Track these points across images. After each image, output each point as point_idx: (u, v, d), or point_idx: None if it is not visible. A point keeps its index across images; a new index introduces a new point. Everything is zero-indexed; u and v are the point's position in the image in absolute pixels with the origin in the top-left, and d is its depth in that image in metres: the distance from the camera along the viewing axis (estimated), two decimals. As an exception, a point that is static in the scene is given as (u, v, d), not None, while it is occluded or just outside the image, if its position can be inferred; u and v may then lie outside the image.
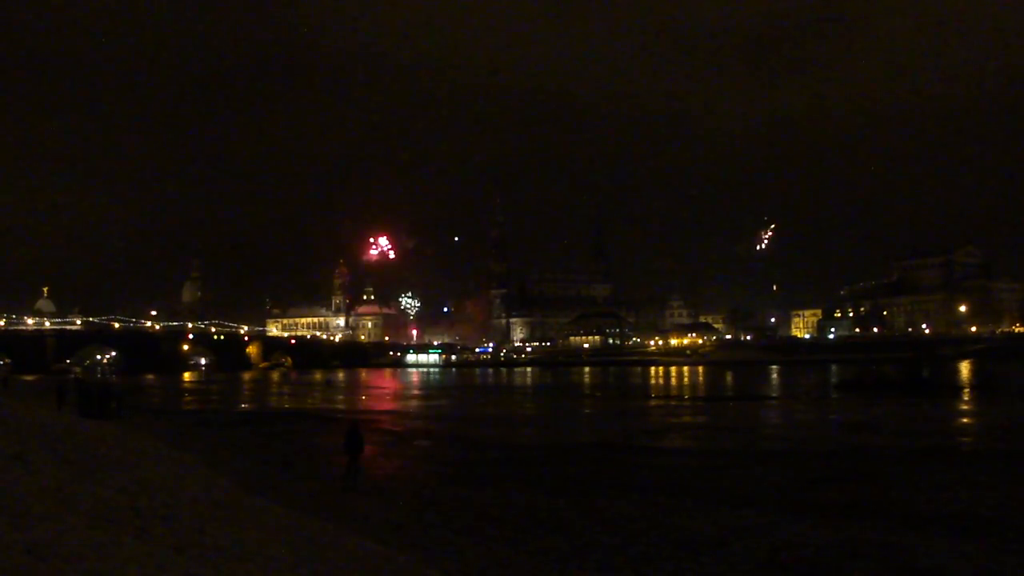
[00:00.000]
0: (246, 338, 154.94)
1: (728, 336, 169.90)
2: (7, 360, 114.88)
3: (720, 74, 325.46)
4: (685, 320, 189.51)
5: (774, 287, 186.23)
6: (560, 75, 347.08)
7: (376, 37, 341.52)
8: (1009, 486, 17.29)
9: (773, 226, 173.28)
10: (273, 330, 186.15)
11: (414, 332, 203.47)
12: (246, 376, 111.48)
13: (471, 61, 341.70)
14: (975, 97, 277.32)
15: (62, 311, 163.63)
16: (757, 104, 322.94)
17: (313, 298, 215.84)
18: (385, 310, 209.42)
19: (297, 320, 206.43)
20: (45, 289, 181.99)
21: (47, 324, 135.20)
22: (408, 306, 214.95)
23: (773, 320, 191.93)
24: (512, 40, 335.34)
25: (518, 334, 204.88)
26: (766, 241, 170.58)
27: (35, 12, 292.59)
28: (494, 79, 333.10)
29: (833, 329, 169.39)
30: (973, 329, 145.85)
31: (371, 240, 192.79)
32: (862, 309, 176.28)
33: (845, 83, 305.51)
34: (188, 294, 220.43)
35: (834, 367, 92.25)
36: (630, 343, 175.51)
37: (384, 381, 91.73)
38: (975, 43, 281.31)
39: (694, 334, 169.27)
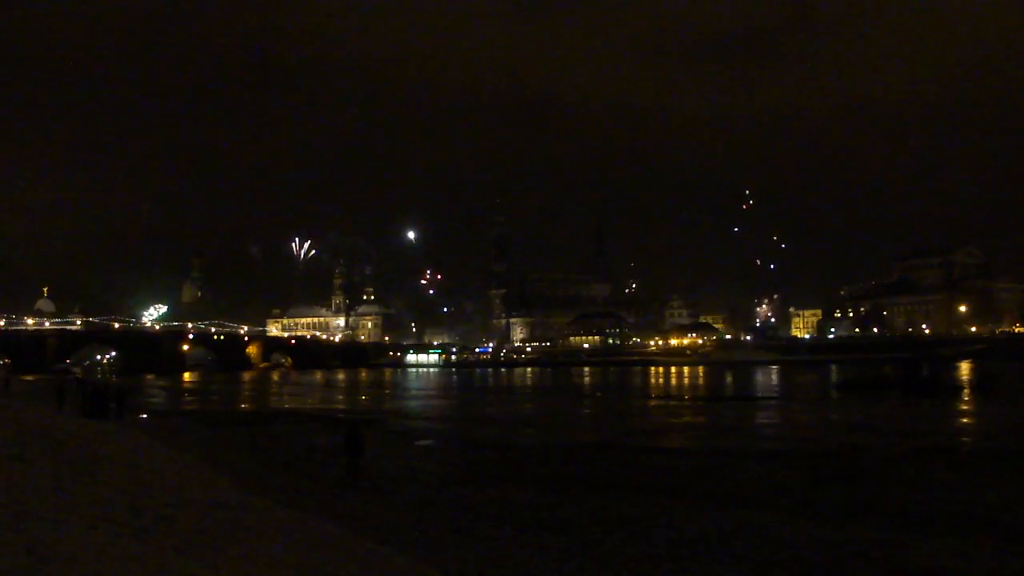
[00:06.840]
0: (246, 338, 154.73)
1: (728, 336, 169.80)
2: (7, 360, 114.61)
3: (714, 75, 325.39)
4: (685, 320, 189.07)
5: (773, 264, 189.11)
6: (551, 77, 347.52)
7: (373, 39, 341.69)
8: (1009, 486, 17.30)
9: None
10: (273, 330, 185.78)
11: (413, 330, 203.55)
12: (246, 376, 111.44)
13: (468, 63, 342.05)
14: (975, 96, 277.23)
15: (62, 311, 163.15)
16: (753, 104, 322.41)
17: (313, 298, 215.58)
18: (385, 310, 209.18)
19: (297, 320, 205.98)
20: (45, 289, 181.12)
21: (47, 324, 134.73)
22: (408, 306, 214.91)
23: (773, 320, 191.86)
24: (504, 43, 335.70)
25: (518, 334, 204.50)
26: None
27: (35, 12, 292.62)
28: (490, 81, 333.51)
29: (833, 329, 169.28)
30: (973, 329, 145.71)
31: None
32: (862, 309, 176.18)
33: (842, 82, 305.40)
34: (188, 294, 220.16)
35: (834, 367, 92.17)
36: (630, 343, 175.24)
37: (384, 381, 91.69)
38: (974, 41, 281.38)
39: (694, 334, 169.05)
